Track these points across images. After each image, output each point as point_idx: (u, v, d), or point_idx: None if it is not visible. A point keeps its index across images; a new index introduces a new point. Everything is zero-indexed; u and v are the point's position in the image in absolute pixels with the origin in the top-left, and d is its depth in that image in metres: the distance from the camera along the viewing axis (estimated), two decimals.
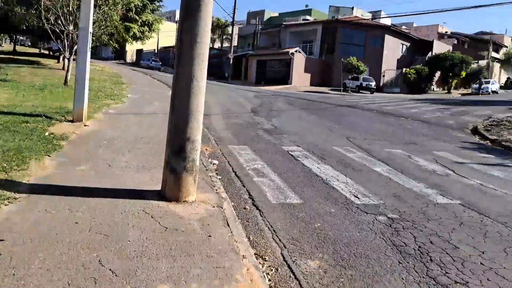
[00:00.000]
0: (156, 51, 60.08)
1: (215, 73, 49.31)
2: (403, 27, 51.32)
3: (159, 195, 4.69)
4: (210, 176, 5.91)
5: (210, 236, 3.89)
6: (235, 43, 51.55)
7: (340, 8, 55.41)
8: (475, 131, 13.78)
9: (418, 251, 4.07)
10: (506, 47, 56.93)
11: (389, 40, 41.66)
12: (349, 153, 8.57)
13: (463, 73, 41.57)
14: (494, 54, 52.90)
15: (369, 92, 36.20)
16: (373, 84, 36.71)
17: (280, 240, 4.19)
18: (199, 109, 4.70)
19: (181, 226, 4.01)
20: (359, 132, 11.69)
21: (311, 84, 40.57)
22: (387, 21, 48.57)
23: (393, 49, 42.53)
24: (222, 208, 4.62)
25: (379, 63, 40.97)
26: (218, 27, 55.38)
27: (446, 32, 55.01)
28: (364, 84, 36.46)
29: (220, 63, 48.41)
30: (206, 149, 8.08)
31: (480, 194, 6.18)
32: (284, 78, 39.64)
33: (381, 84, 40.53)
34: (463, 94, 39.35)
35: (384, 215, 5.03)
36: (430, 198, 5.82)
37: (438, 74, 41.67)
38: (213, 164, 7.00)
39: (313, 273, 3.58)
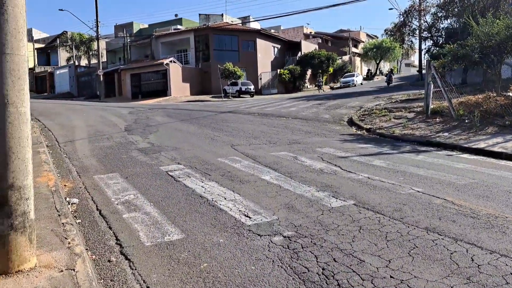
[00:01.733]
0: None
1: (86, 92, 45.57)
2: (272, 30, 53.43)
3: None
4: (63, 223, 4.62)
5: None
6: (104, 58, 48.28)
7: (210, 15, 55.51)
8: (351, 122, 14.33)
9: (323, 276, 3.44)
10: (363, 42, 63.20)
11: (261, 43, 42.89)
12: (235, 163, 7.87)
13: (331, 69, 44.78)
14: (354, 49, 58.25)
15: (249, 96, 36.68)
16: (252, 87, 37.32)
17: None
18: (25, 144, 3.46)
19: None
20: (243, 138, 11.15)
21: (191, 94, 39.69)
22: (256, 26, 50.06)
23: (266, 52, 43.92)
24: (74, 270, 3.45)
25: (254, 66, 41.88)
26: (82, 43, 51.18)
27: (310, 32, 58.87)
28: (243, 88, 36.80)
29: (90, 81, 44.90)
30: (65, 185, 6.64)
31: (370, 190, 5.94)
32: (163, 90, 38.11)
33: (259, 87, 41.46)
34: (332, 88, 42.26)
35: (279, 234, 4.35)
36: (324, 203, 5.36)
37: (309, 72, 44.16)
38: (72, 204, 5.66)
39: None
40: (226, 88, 36.96)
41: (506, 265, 3.50)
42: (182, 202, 5.61)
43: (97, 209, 5.45)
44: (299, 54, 46.91)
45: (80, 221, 5.05)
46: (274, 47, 46.13)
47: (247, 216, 4.95)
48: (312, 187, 6.11)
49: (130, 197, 5.89)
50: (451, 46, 13.04)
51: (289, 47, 48.72)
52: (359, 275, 3.42)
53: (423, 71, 41.13)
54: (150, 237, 4.41)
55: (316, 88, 39.78)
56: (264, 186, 6.25)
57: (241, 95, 36.80)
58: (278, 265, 3.67)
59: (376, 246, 3.96)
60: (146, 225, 4.78)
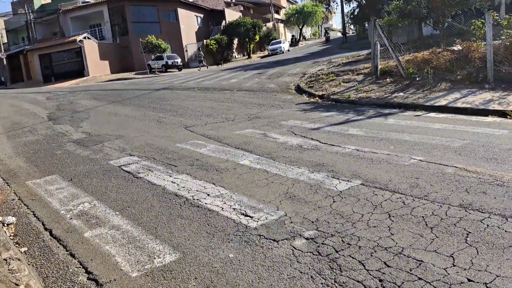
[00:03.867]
0: None
1: None
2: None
3: None
4: (5, 259, 3.35)
5: None
6: (4, 39, 42.79)
7: None
8: (299, 90, 13.71)
9: None
10: (284, 7, 62.78)
11: (182, 13, 40.62)
12: (200, 148, 6.82)
13: (257, 37, 43.87)
14: (276, 16, 57.69)
15: (177, 70, 34.74)
16: (179, 60, 35.38)
17: None
18: None
19: None
20: (194, 117, 10.00)
21: (112, 72, 36.74)
22: None
23: (189, 23, 41.79)
24: None
25: (178, 38, 39.72)
26: None
27: (231, 0, 57.05)
28: (170, 62, 34.75)
29: None
30: None
31: (368, 164, 5.28)
32: (79, 70, 34.81)
33: (186, 59, 39.51)
34: (262, 57, 41.53)
35: (300, 236, 3.51)
36: (327, 187, 4.60)
37: (236, 41, 42.92)
38: (8, 225, 4.31)
39: None
40: (151, 63, 34.61)
41: None
42: (156, 206, 4.51)
43: (46, 229, 4.17)
44: (223, 23, 45.35)
45: (26, 249, 3.79)
46: (197, 16, 44.05)
47: (247, 216, 4.03)
48: (303, 168, 5.31)
49: (86, 207, 4.66)
50: (398, 2, 12.76)
51: (212, 16, 46.87)
52: (429, 283, 2.71)
53: (347, 34, 41.97)
54: (134, 262, 3.33)
55: (198, 67, 33.20)
56: (248, 173, 5.32)
57: (168, 70, 34.73)
58: (322, 283, 2.83)
59: (423, 238, 3.28)
60: (121, 245, 3.66)
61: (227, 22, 44.17)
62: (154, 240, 3.70)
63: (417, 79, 11.52)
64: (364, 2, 31.93)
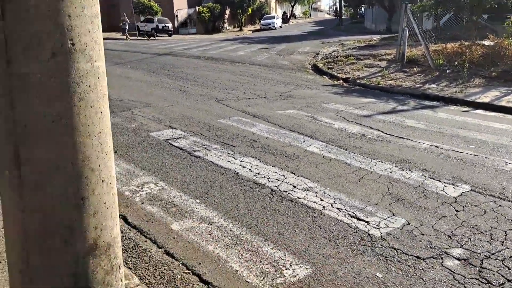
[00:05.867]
0: None
1: None
2: None
3: None
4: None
5: None
6: None
7: None
8: (317, 70, 13.02)
9: None
10: None
11: None
12: (250, 127, 6.10)
13: (250, 9, 42.41)
14: None
15: (167, 35, 33.01)
16: (170, 26, 33.63)
17: None
18: (108, 146, 1.49)
19: None
20: (219, 90, 9.18)
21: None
22: None
23: None
24: None
25: (170, 2, 37.70)
26: None
27: None
28: (160, 26, 32.93)
29: None
30: None
31: (463, 165, 4.75)
32: None
33: (176, 25, 37.70)
34: (253, 31, 40.26)
35: (448, 256, 2.94)
36: (433, 189, 4.04)
37: (228, 11, 41.33)
38: None
39: None
40: (140, 25, 32.75)
41: None
42: (240, 196, 3.83)
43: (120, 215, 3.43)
44: None
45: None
46: None
47: (360, 220, 3.43)
48: (389, 164, 4.72)
49: (153, 189, 3.93)
50: None
51: None
52: None
53: (343, 16, 41.30)
54: (258, 273, 2.68)
55: (122, 33, 29.12)
56: (326, 164, 4.69)
57: (158, 34, 32.98)
58: None
59: None
60: (226, 245, 2.99)
61: None
62: (266, 243, 3.05)
63: (447, 71, 11.08)
64: None
